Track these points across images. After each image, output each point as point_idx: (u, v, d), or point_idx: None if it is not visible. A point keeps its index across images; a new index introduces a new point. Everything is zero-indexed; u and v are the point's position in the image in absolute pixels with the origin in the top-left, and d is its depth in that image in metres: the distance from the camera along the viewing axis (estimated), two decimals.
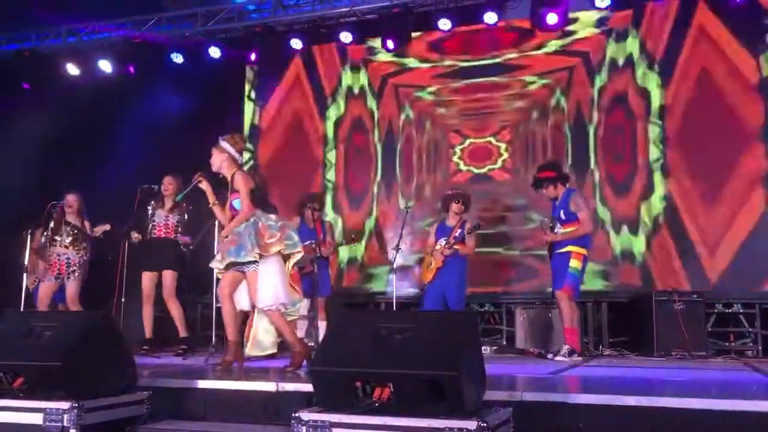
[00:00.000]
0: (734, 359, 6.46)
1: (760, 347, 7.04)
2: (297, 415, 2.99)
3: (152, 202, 6.78)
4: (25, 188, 8.59)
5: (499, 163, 8.74)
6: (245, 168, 5.75)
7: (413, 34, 8.64)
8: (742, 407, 3.14)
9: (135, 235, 6.74)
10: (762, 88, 7.82)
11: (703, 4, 8.19)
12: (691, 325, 6.52)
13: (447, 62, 9.06)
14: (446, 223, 6.92)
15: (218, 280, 5.27)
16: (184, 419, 3.89)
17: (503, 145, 8.76)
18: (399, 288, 7.41)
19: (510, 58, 8.91)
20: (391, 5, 8.25)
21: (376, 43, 8.94)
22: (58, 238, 6.82)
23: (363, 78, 9.47)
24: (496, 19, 8.04)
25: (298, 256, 5.09)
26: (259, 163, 9.52)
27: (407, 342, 3.02)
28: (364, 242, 9.10)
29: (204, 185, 5.11)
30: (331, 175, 9.49)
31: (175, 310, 6.65)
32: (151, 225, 6.74)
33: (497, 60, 8.93)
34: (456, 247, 6.69)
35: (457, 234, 6.73)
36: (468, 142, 8.86)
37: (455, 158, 8.90)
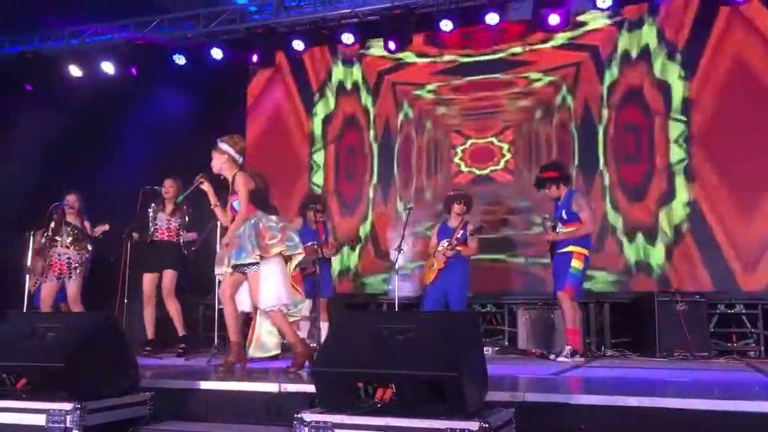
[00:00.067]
0: (737, 360, 6.45)
1: (762, 348, 7.02)
2: (299, 415, 3.00)
3: (153, 205, 6.80)
4: (27, 189, 8.60)
5: (502, 164, 8.50)
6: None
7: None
8: (745, 408, 3.14)
9: (134, 234, 6.76)
10: None
11: None
12: (694, 326, 6.52)
13: (446, 57, 8.80)
14: (448, 224, 6.91)
15: (220, 281, 5.27)
16: (186, 420, 3.90)
17: (506, 146, 8.52)
18: (400, 289, 7.40)
19: (514, 53, 8.52)
20: (392, 6, 8.25)
21: (378, 44, 8.91)
22: (58, 238, 6.83)
23: (357, 73, 9.22)
24: (498, 20, 8.04)
25: (300, 258, 5.09)
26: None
27: (409, 343, 3.03)
28: (357, 250, 8.84)
29: (206, 186, 5.11)
30: (318, 178, 9.13)
31: (173, 309, 6.66)
32: (152, 228, 6.76)
33: (500, 55, 8.58)
34: (458, 248, 6.69)
35: (459, 235, 6.73)
36: (470, 142, 8.66)
37: (456, 159, 8.69)
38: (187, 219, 6.84)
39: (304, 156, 9.26)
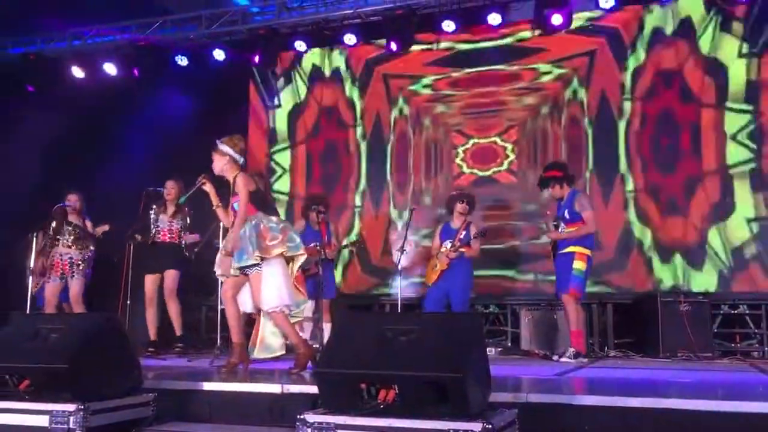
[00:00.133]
0: (740, 360, 6.44)
1: (766, 348, 7.00)
2: (302, 416, 2.99)
3: (154, 207, 6.81)
4: (29, 190, 8.62)
5: (505, 165, 8.19)
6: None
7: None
8: (748, 409, 3.13)
9: (137, 237, 6.78)
10: None
11: None
12: (697, 327, 6.51)
13: (444, 44, 8.35)
14: (451, 224, 6.90)
15: (222, 282, 5.28)
16: (189, 421, 3.90)
17: (509, 146, 8.18)
18: (403, 289, 7.39)
19: (522, 38, 7.85)
20: (394, 7, 8.24)
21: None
22: (60, 237, 6.85)
23: (338, 59, 8.74)
24: (500, 21, 8.03)
25: (302, 259, 5.09)
26: None
27: (412, 344, 3.02)
28: (341, 267, 8.32)
29: (208, 187, 5.12)
30: (283, 184, 8.44)
31: (173, 309, 6.69)
32: (154, 229, 6.77)
33: (507, 41, 7.95)
34: (462, 249, 6.68)
35: (462, 236, 6.72)
36: (471, 142, 8.38)
37: (458, 160, 8.40)
38: (188, 220, 6.86)
39: (260, 156, 8.58)
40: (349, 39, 8.52)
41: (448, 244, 6.76)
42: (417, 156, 8.59)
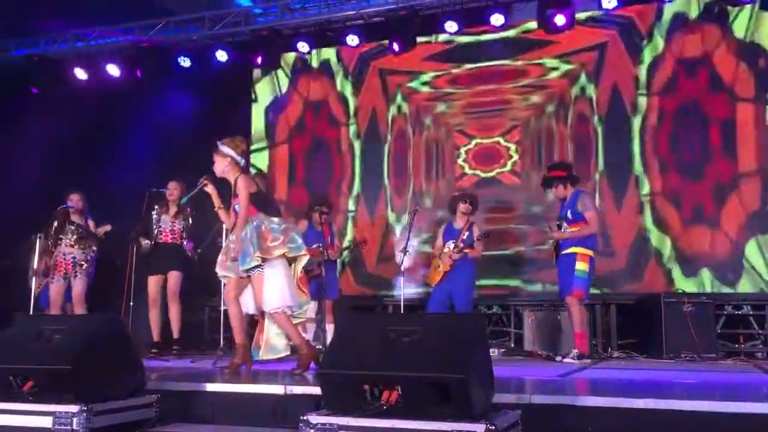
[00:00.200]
0: (744, 361, 6.42)
1: None
2: (305, 418, 2.99)
3: (156, 207, 6.83)
4: (33, 192, 8.63)
5: (509, 165, 8.03)
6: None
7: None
8: (752, 410, 3.12)
9: (145, 242, 6.77)
10: None
11: None
12: (701, 327, 6.49)
13: (442, 37, 8.12)
14: (453, 225, 6.89)
15: (225, 283, 5.28)
16: (192, 422, 3.90)
17: (513, 146, 8.01)
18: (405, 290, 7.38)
19: (528, 30, 7.49)
20: (397, 8, 8.24)
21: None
22: (62, 237, 6.86)
23: (328, 51, 8.52)
24: (503, 22, 8.02)
25: (305, 259, 5.10)
26: None
27: (415, 345, 3.02)
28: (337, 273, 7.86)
29: (210, 189, 5.12)
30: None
31: (174, 311, 6.72)
32: (156, 230, 6.79)
33: (511, 33, 7.60)
34: (465, 251, 6.67)
35: (465, 237, 6.71)
36: (474, 142, 8.24)
37: (460, 161, 8.24)
38: (190, 221, 6.87)
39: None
40: (352, 40, 8.52)
41: (450, 244, 6.76)
42: (417, 156, 8.40)
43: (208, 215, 5.65)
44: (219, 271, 5.08)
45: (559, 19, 7.75)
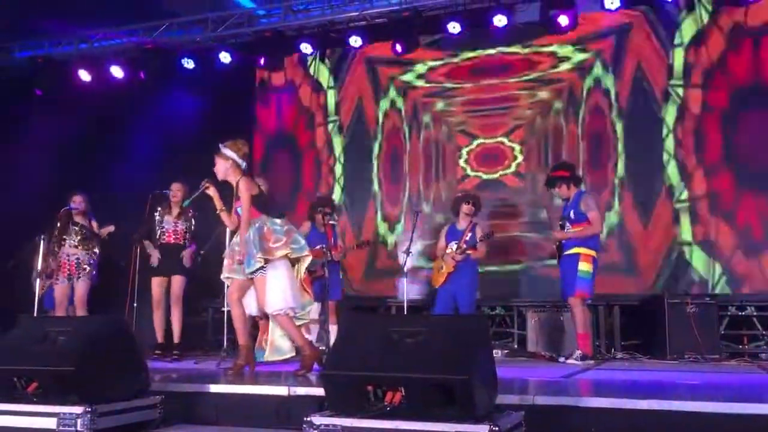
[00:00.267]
0: (748, 362, 6.40)
1: None
2: (309, 419, 3.00)
3: (159, 209, 6.84)
4: (37, 193, 8.65)
5: (513, 167, 7.80)
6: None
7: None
8: (757, 411, 3.12)
9: (153, 252, 6.77)
10: None
11: None
12: (704, 328, 6.48)
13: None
14: (456, 226, 6.89)
15: (228, 285, 5.29)
16: (196, 423, 3.91)
17: (517, 146, 7.75)
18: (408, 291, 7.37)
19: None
20: (400, 9, 8.24)
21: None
22: (66, 237, 6.88)
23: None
24: (506, 22, 8.01)
25: (308, 260, 5.11)
26: None
27: (418, 346, 3.02)
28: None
29: (211, 191, 5.14)
30: None
31: (177, 315, 6.72)
32: (160, 231, 6.81)
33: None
34: (468, 252, 6.67)
35: (467, 238, 6.71)
36: (476, 143, 8.04)
37: (462, 162, 8.02)
38: (193, 221, 6.88)
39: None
40: (355, 41, 8.53)
41: (453, 245, 6.75)
42: (414, 157, 8.00)
43: (211, 217, 5.66)
44: (224, 273, 5.10)
45: (563, 20, 7.74)
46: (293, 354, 5.14)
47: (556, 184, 6.40)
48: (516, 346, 7.65)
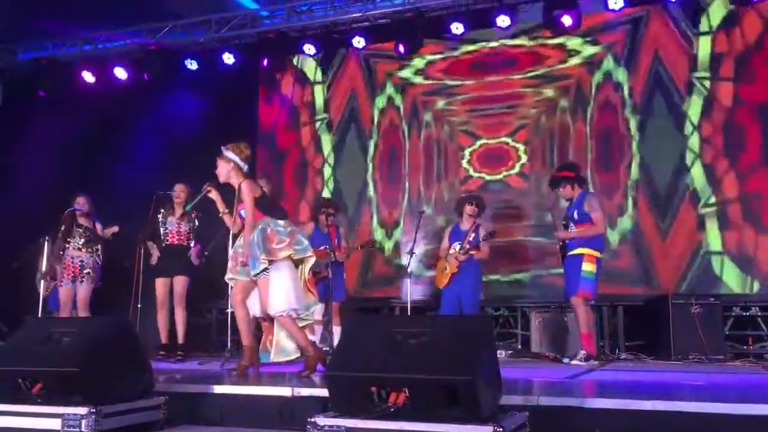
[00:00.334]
0: (752, 363, 6.39)
1: None
2: (313, 420, 3.00)
3: (162, 210, 6.85)
4: (41, 195, 8.67)
5: (517, 168, 7.67)
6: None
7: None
8: (761, 412, 3.10)
9: (154, 252, 6.79)
10: None
11: None
12: (709, 329, 6.46)
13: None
14: (460, 226, 6.90)
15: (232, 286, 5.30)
16: (200, 424, 3.91)
17: (521, 147, 7.60)
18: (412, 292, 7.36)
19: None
20: (403, 10, 8.24)
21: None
22: (71, 239, 6.90)
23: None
24: (509, 23, 8.01)
25: (312, 261, 5.11)
26: None
27: (422, 346, 3.02)
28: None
29: (213, 195, 5.15)
30: None
31: (180, 316, 6.74)
32: (163, 232, 6.82)
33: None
34: (471, 252, 6.67)
35: (471, 238, 6.71)
36: (478, 143, 7.92)
37: (464, 163, 7.90)
38: (197, 222, 6.89)
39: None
40: (358, 42, 8.53)
41: (456, 245, 6.76)
42: (413, 157, 7.81)
43: (214, 219, 5.67)
44: (228, 275, 5.10)
45: (566, 20, 7.73)
46: (298, 355, 5.14)
47: (560, 184, 6.40)
48: (520, 347, 7.64)
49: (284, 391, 3.87)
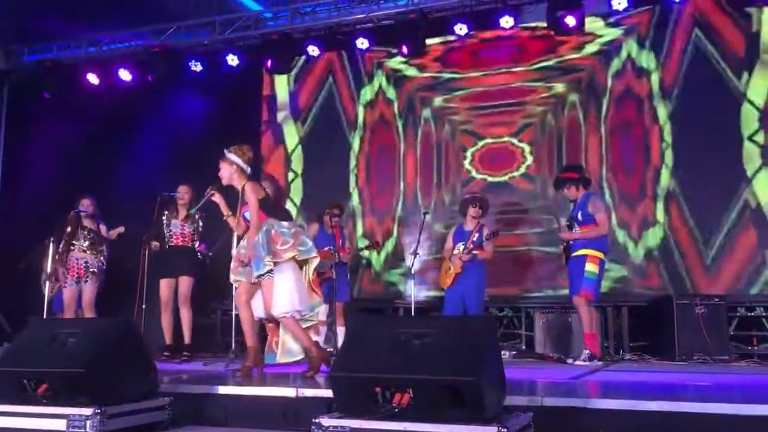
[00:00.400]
0: (757, 363, 6.38)
1: None
2: (317, 420, 3.00)
3: (166, 212, 6.87)
4: (45, 196, 8.70)
5: (523, 169, 7.51)
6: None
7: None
8: (767, 413, 3.10)
9: (154, 244, 6.83)
10: None
11: None
12: (713, 329, 6.45)
13: None
14: (464, 227, 6.90)
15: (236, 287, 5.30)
16: (205, 425, 3.92)
17: (527, 147, 7.44)
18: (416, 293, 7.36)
19: None
20: (407, 11, 8.24)
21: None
22: (75, 242, 6.92)
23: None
24: (513, 24, 8.00)
25: (316, 262, 5.12)
26: None
27: (426, 347, 3.02)
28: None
29: (217, 198, 5.16)
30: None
31: (185, 316, 6.74)
32: (167, 234, 6.83)
33: None
34: (475, 252, 6.68)
35: (475, 239, 6.72)
36: (481, 143, 7.77)
37: (467, 164, 7.76)
38: (200, 223, 6.90)
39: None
40: (362, 43, 8.53)
41: (461, 246, 6.76)
42: (408, 157, 7.52)
43: (218, 221, 5.68)
44: (232, 276, 5.11)
45: (570, 20, 7.72)
46: (303, 356, 5.15)
47: (565, 185, 6.40)
48: (524, 348, 7.64)
49: (288, 392, 3.88)
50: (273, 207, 5.12)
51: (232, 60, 8.85)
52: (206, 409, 3.98)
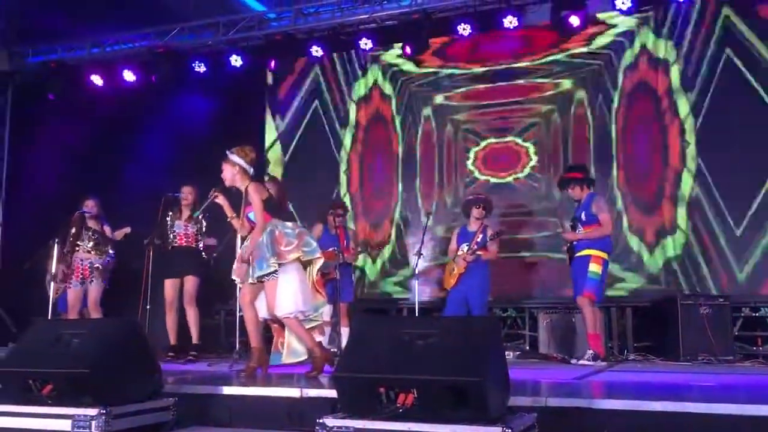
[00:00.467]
0: (762, 364, 6.36)
1: None
2: (321, 421, 3.00)
3: (170, 213, 6.88)
4: (50, 197, 8.72)
5: (528, 170, 7.49)
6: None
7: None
8: None
9: (156, 242, 6.84)
10: None
11: None
12: (718, 330, 6.45)
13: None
14: (467, 227, 6.90)
15: (240, 287, 5.31)
16: (209, 425, 3.93)
17: (531, 147, 7.39)
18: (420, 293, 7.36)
19: None
20: (410, 11, 8.25)
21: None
22: (80, 243, 6.94)
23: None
24: (516, 24, 7.99)
25: (320, 262, 5.12)
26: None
27: (430, 348, 3.02)
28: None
29: (220, 200, 5.16)
30: None
31: (192, 316, 6.75)
32: (171, 234, 6.85)
33: None
34: (478, 252, 6.68)
35: (479, 239, 6.71)
36: (484, 143, 7.77)
37: (470, 164, 7.71)
38: (204, 223, 6.92)
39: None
40: (365, 43, 8.54)
41: (464, 247, 6.76)
42: (407, 157, 7.45)
43: (222, 223, 5.68)
44: (235, 276, 5.12)
45: (574, 20, 7.71)
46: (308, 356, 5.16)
47: (569, 185, 6.41)
48: (528, 348, 7.63)
49: (293, 392, 3.88)
50: (277, 207, 5.13)
51: (236, 61, 8.86)
52: (210, 409, 3.99)
